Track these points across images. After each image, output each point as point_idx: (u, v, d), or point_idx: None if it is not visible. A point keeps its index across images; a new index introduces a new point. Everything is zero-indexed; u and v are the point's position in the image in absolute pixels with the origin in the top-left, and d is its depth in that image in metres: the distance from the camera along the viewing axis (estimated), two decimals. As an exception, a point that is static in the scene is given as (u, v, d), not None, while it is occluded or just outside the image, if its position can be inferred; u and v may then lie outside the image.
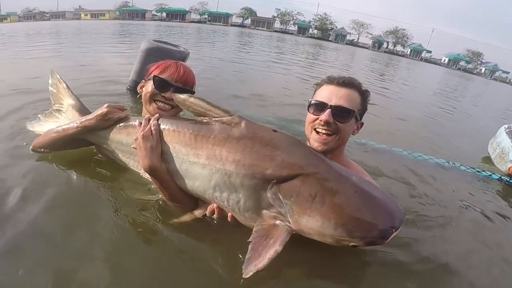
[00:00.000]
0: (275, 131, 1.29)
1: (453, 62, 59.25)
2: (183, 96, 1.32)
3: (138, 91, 1.64)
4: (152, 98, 1.54)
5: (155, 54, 3.38)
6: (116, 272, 1.13)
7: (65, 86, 1.77)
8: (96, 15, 49.53)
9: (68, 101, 1.76)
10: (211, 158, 1.25)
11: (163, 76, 1.52)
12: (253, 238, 1.15)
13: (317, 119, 1.45)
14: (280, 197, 1.17)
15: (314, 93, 1.57)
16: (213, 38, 17.59)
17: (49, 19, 25.88)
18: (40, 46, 7.44)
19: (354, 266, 1.36)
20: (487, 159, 3.35)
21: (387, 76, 11.92)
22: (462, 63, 60.43)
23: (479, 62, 61.41)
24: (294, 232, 1.18)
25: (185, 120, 1.41)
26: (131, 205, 1.43)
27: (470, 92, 13.95)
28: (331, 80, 1.50)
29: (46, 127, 1.72)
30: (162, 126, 1.39)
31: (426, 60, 58.87)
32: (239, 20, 61.95)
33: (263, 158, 1.20)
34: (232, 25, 56.05)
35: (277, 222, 1.19)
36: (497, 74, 56.45)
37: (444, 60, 60.81)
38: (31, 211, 1.33)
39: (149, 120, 1.40)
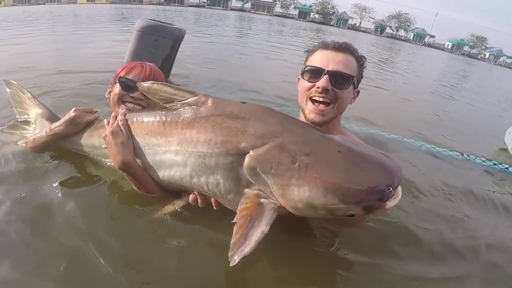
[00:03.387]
0: (243, 102, 1.21)
1: (457, 47, 58.74)
2: (146, 84, 1.26)
3: (106, 96, 1.59)
4: (120, 100, 1.48)
5: (152, 32, 3.15)
6: (95, 266, 1.06)
7: (29, 95, 1.67)
8: (92, -1, 48.36)
9: (35, 111, 1.66)
10: (183, 142, 1.18)
11: (129, 76, 1.47)
12: (237, 219, 1.05)
13: (313, 86, 1.36)
14: (259, 171, 1.06)
15: (307, 60, 1.46)
16: (211, 22, 17.14)
17: (44, 3, 25.30)
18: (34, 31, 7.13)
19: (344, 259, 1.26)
20: (503, 151, 3.17)
21: (389, 61, 11.65)
22: (466, 48, 59.89)
23: (483, 47, 60.76)
24: (280, 210, 1.08)
25: (152, 111, 1.36)
26: (110, 200, 1.37)
27: (474, 79, 13.69)
28: (325, 45, 1.40)
29: (13, 138, 1.64)
30: (130, 120, 1.34)
31: (429, 45, 58.24)
32: (239, 4, 60.78)
33: (235, 132, 1.11)
34: (231, 9, 55.02)
35: (261, 200, 1.09)
36: (501, 59, 55.90)
37: (448, 45, 60.27)
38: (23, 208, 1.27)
39: (116, 117, 1.35)
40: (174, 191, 1.31)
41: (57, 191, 1.37)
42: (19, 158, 1.52)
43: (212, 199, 1.22)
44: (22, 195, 1.33)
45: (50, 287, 1.00)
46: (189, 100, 1.21)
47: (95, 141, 1.46)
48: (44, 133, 1.51)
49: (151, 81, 1.27)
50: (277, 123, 1.13)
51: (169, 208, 1.27)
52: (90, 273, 1.04)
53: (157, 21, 3.47)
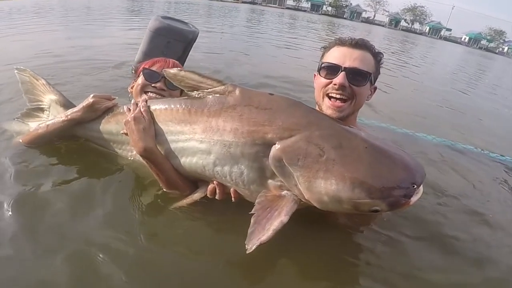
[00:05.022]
0: (271, 94, 1.23)
1: (474, 41, 57.19)
2: (173, 71, 1.25)
3: (129, 91, 1.65)
4: (143, 90, 1.54)
5: (165, 34, 3.09)
6: (111, 263, 1.04)
7: (44, 82, 1.64)
8: (104, -8, 48.54)
9: (50, 97, 1.63)
10: (208, 130, 1.18)
11: (153, 68, 1.55)
12: (256, 210, 1.07)
13: (330, 83, 1.36)
14: (285, 163, 1.07)
15: (323, 56, 1.46)
16: (222, 15, 17.04)
17: None
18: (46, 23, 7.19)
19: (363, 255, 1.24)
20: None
21: (405, 55, 11.33)
22: (483, 41, 58.17)
23: (501, 41, 58.88)
24: (302, 202, 1.10)
25: (175, 98, 1.37)
26: (128, 194, 1.36)
27: (493, 73, 13.25)
28: (342, 42, 1.40)
29: (26, 127, 1.62)
30: (152, 107, 1.33)
31: (446, 39, 56.88)
32: (250, -3, 60.21)
33: (262, 122, 1.12)
34: (243, 2, 54.58)
35: (283, 192, 1.11)
36: (520, 53, 54.00)
37: (465, 38, 58.87)
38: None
39: (137, 104, 1.35)
40: (193, 180, 1.31)
41: (67, 184, 1.36)
42: (30, 150, 1.51)
43: (232, 190, 1.21)
44: (34, 188, 1.31)
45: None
46: (216, 88, 1.22)
47: (112, 127, 1.45)
48: (60, 118, 1.49)
49: (178, 68, 1.28)
50: (304, 116, 1.14)
51: (186, 200, 1.26)
52: (101, 270, 1.02)
53: (171, 18, 3.42)
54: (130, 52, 3.70)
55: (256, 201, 1.11)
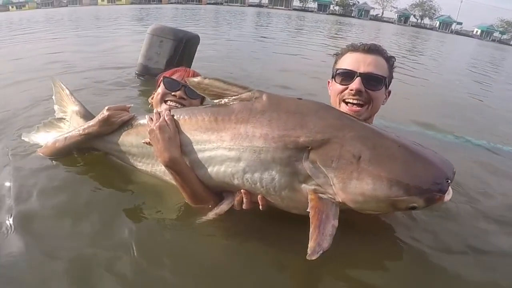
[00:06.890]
0: (299, 99, 1.22)
1: (486, 34, 55.98)
2: (197, 79, 1.24)
3: (149, 102, 1.66)
4: (163, 99, 1.53)
5: (159, 34, 3.39)
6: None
7: (68, 92, 1.67)
8: (113, 0, 49.48)
9: (71, 108, 1.65)
10: (237, 138, 1.16)
11: (173, 77, 1.55)
12: (310, 208, 1.06)
13: (346, 88, 1.38)
14: (320, 165, 1.07)
15: (336, 63, 1.48)
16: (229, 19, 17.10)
17: (67, 5, 26.51)
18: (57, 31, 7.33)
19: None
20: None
21: (416, 51, 11.11)
22: (496, 34, 56.87)
23: (515, 33, 57.40)
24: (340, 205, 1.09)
25: (200, 107, 1.37)
26: (149, 209, 1.32)
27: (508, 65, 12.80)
28: (355, 48, 1.42)
29: (46, 137, 1.62)
30: (176, 116, 1.31)
31: (457, 33, 55.99)
32: (256, 0, 60.38)
33: (293, 126, 1.11)
34: (249, 5, 54.83)
35: (320, 195, 1.10)
36: (536, 44, 52.50)
37: (477, 31, 57.66)
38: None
39: (159, 114, 1.31)
40: (218, 190, 1.27)
41: (88, 197, 1.35)
42: (48, 162, 1.50)
43: (259, 197, 1.17)
44: (54, 201, 1.30)
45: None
46: (242, 95, 1.21)
47: (132, 139, 1.42)
48: (77, 132, 1.46)
49: (202, 76, 1.26)
50: (336, 119, 1.15)
51: (215, 212, 1.23)
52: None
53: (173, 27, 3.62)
54: (135, 56, 3.78)
55: (309, 198, 1.10)
